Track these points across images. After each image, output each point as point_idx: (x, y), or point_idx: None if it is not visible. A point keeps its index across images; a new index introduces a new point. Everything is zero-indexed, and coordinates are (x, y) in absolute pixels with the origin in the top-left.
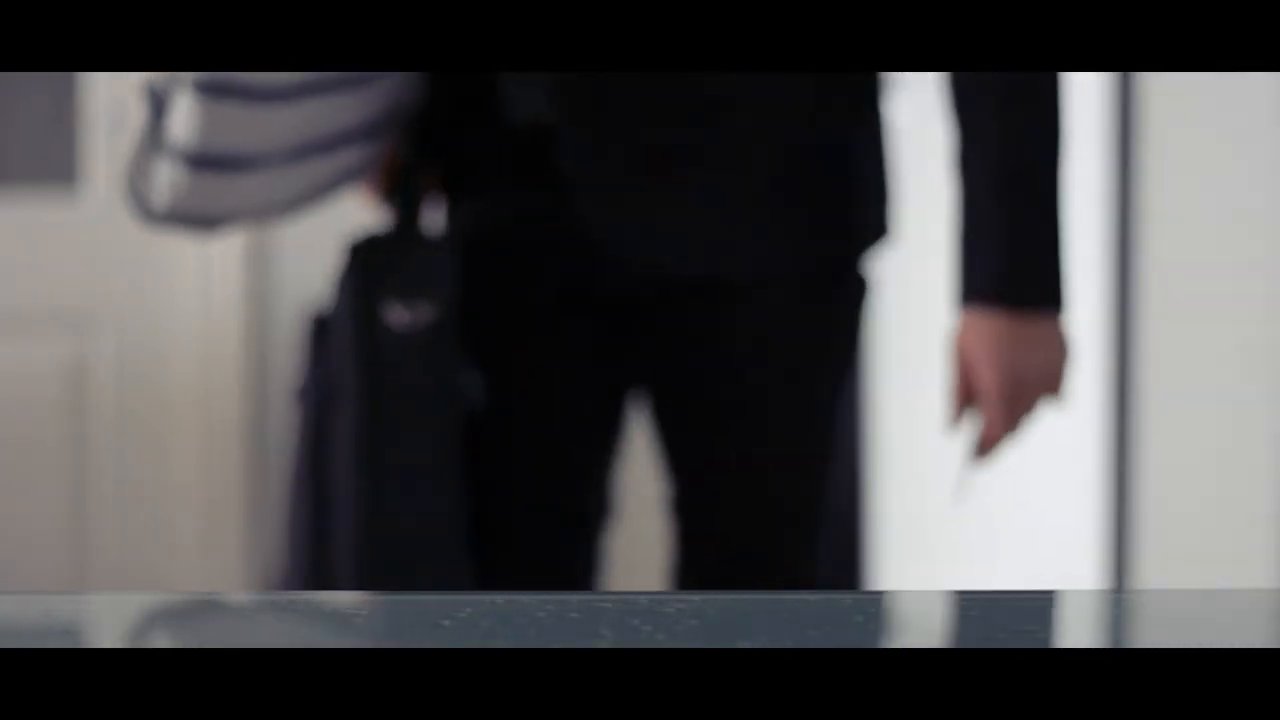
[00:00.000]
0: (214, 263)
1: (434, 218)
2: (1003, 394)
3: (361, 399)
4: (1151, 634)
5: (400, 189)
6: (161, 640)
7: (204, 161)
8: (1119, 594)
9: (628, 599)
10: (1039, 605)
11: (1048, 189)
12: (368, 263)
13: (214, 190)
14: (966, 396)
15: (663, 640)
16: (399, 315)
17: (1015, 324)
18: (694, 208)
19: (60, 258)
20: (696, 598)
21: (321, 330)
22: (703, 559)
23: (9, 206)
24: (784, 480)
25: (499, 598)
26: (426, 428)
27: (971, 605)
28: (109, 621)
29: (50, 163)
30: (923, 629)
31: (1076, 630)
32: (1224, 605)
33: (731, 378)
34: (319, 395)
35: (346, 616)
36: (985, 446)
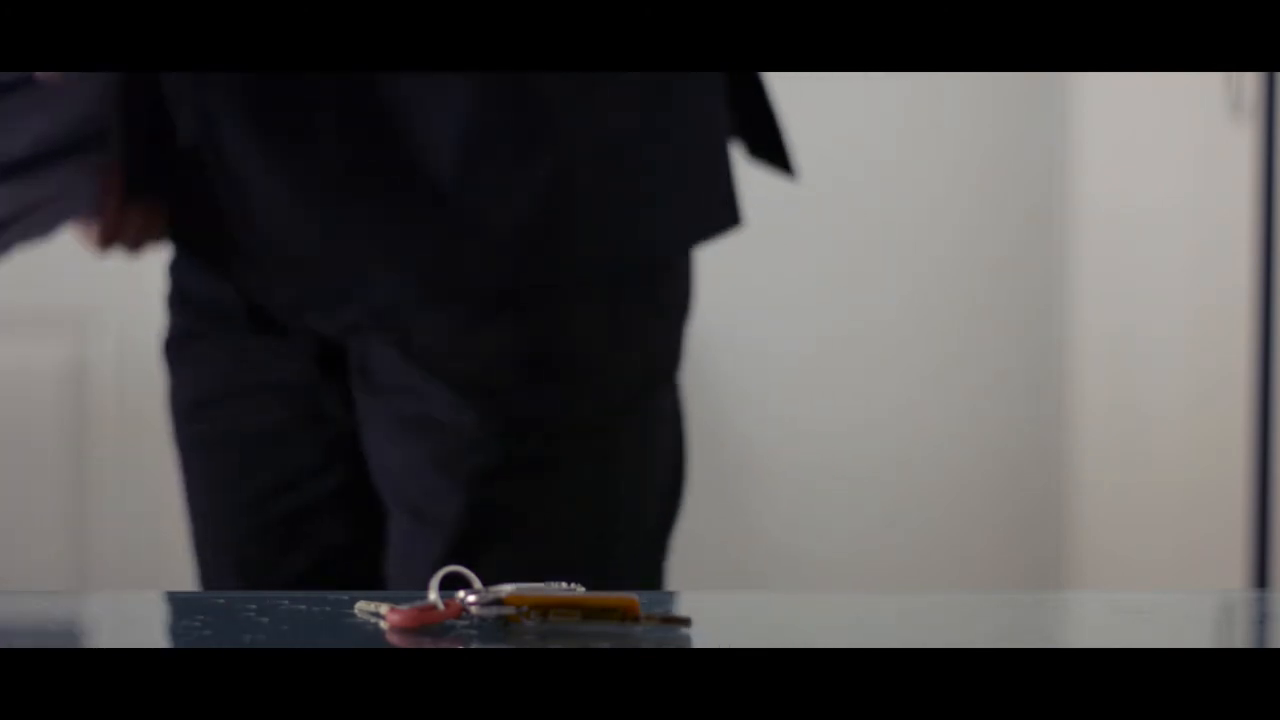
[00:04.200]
0: None
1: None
2: None
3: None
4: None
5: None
6: (161, 640)
7: None
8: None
9: None
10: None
11: None
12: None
13: None
14: None
15: (660, 640)
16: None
17: None
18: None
19: (60, 258)
20: (695, 597)
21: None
22: None
23: None
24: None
25: None
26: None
27: (973, 606)
28: (109, 621)
29: None
30: (924, 629)
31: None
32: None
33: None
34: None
35: (345, 616)
36: None
